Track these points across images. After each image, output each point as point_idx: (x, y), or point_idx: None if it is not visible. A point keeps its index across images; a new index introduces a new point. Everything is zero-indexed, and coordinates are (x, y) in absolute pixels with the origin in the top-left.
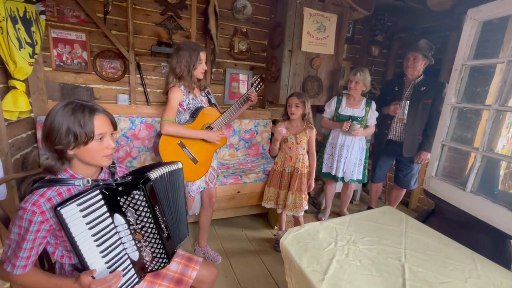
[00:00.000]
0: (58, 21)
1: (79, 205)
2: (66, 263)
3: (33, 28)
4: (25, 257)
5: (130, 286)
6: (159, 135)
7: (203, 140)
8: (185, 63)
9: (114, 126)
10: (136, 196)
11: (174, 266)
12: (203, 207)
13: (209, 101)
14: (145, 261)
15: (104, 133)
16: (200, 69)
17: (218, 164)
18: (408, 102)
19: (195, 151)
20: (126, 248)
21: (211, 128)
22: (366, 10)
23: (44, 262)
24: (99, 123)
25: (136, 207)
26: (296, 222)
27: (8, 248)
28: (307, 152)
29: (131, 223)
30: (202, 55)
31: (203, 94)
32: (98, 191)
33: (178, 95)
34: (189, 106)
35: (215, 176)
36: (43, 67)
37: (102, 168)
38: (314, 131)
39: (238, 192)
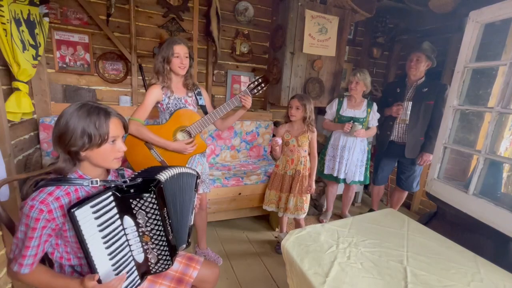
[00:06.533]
0: (61, 24)
1: (92, 206)
2: (66, 265)
3: (36, 30)
4: (32, 255)
5: (133, 287)
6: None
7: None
8: (161, 56)
9: (126, 129)
10: (149, 199)
11: (175, 265)
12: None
13: (197, 102)
14: (150, 263)
15: (117, 136)
16: (177, 63)
17: (208, 169)
18: (410, 103)
19: (165, 153)
20: (133, 250)
21: (188, 132)
22: (368, 12)
23: (45, 263)
24: (113, 126)
25: (147, 209)
26: (297, 224)
27: (16, 247)
28: (309, 154)
29: (140, 225)
30: (177, 48)
31: (190, 94)
32: (110, 193)
33: (153, 92)
34: (168, 106)
35: (202, 181)
36: (46, 69)
37: (109, 169)
38: (315, 133)
39: (240, 193)
